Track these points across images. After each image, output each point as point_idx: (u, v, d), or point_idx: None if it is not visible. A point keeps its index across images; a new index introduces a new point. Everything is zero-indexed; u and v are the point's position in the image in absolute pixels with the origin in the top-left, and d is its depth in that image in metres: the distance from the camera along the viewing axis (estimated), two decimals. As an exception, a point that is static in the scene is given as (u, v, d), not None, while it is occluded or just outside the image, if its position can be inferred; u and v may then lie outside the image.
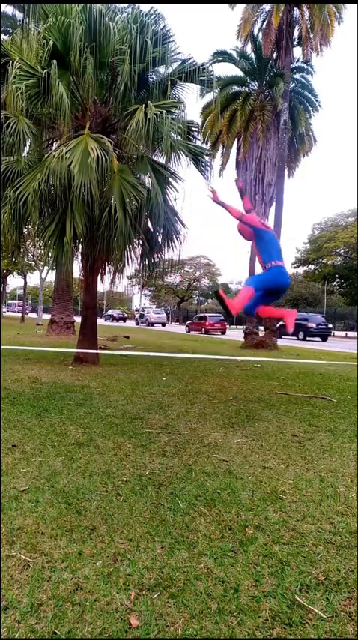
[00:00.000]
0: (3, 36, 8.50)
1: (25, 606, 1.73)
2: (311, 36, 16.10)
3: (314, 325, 25.92)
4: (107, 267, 8.97)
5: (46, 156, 7.74)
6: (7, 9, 8.50)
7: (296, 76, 19.00)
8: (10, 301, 66.31)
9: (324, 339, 25.86)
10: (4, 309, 29.93)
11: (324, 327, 26.55)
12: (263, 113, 17.72)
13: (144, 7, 8.16)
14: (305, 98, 19.39)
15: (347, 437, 4.33)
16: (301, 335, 25.44)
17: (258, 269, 5.07)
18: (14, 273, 35.40)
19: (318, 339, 25.70)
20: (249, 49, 18.61)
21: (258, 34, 17.91)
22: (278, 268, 4.40)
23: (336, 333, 39.30)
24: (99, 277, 8.94)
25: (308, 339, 25.43)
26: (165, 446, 3.81)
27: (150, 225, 8.71)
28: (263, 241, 4.54)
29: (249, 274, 19.43)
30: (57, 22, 7.43)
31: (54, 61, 7.10)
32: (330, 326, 28.34)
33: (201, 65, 8.28)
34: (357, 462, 3.57)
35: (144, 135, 7.20)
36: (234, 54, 18.73)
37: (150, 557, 2.10)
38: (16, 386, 6.20)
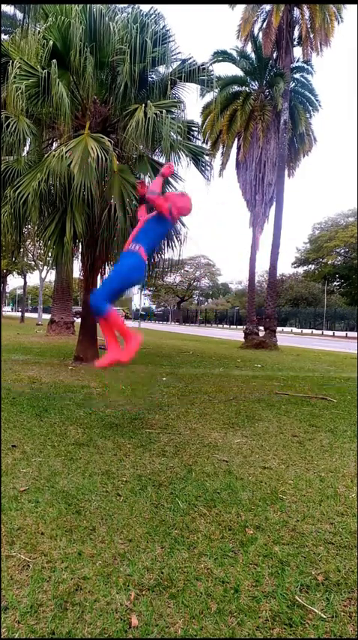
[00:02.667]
0: (3, 36, 8.49)
1: (25, 607, 1.73)
2: (312, 36, 16.10)
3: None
4: (107, 267, 8.97)
5: (46, 155, 7.74)
6: (7, 9, 8.50)
7: (297, 75, 19.01)
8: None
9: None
10: None
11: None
12: (263, 113, 17.73)
13: (144, 7, 8.17)
14: (306, 98, 19.41)
15: (348, 437, 4.32)
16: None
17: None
18: (14, 273, 35.41)
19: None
20: (249, 48, 18.66)
21: (258, 33, 17.93)
22: (139, 260, 3.94)
23: (337, 333, 39.32)
24: (99, 277, 8.95)
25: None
26: (165, 446, 3.81)
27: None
28: (157, 231, 4.13)
29: (250, 274, 19.42)
30: (57, 21, 7.43)
31: (54, 60, 7.10)
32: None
33: (201, 65, 8.27)
34: (357, 462, 3.57)
35: (144, 134, 7.19)
36: (234, 54, 18.75)
37: (150, 557, 2.10)
38: (16, 386, 6.20)
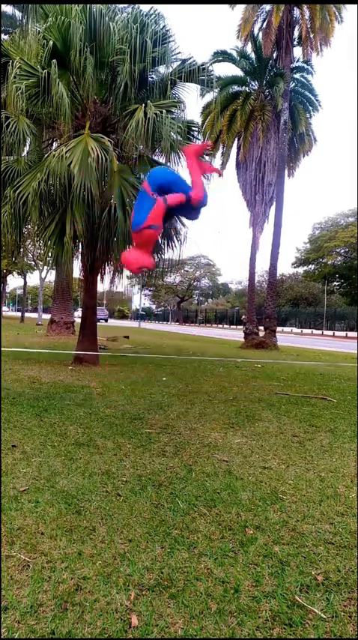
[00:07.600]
0: (3, 36, 8.49)
1: (25, 607, 1.73)
2: (312, 36, 16.10)
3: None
4: (107, 267, 8.96)
5: (46, 155, 7.73)
6: (7, 9, 8.49)
7: (297, 75, 19.01)
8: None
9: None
10: None
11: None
12: (263, 113, 17.73)
13: (144, 7, 8.15)
14: (306, 98, 19.41)
15: (348, 437, 4.32)
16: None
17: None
18: (14, 273, 35.39)
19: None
20: (249, 48, 18.65)
21: (258, 33, 17.94)
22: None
23: (337, 333, 39.32)
24: (99, 277, 8.94)
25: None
26: (165, 446, 3.80)
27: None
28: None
29: (250, 274, 19.41)
30: (57, 21, 7.42)
31: (54, 60, 7.09)
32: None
33: (201, 65, 8.26)
34: (357, 462, 3.57)
35: (144, 134, 7.19)
36: (234, 54, 18.75)
37: (150, 557, 2.10)
38: (16, 386, 6.20)
